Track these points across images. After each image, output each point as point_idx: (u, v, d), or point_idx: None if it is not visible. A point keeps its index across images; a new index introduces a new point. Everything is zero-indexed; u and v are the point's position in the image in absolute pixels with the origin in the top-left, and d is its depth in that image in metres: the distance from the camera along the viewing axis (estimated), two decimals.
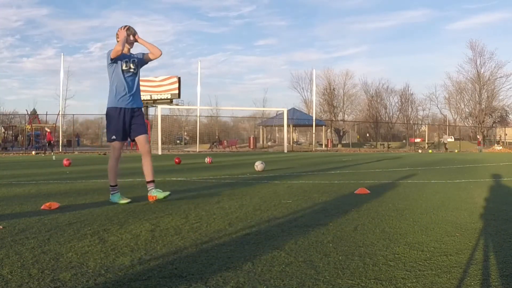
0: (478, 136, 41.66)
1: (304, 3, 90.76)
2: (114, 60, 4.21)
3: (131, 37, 4.28)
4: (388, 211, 3.73)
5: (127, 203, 4.13)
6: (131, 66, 4.28)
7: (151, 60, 4.42)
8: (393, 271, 2.04)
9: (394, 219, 3.36)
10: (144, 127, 4.42)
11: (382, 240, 2.65)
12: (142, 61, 4.42)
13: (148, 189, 4.29)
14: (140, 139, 4.33)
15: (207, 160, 12.71)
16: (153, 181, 4.31)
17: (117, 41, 4.26)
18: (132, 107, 4.30)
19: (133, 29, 4.32)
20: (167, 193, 4.25)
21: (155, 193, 4.24)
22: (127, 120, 4.27)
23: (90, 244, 2.55)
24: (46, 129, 27.43)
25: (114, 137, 4.26)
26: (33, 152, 25.05)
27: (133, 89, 4.31)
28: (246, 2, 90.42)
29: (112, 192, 4.27)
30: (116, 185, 4.28)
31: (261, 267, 2.10)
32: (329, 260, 2.23)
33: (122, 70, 4.24)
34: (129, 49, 4.36)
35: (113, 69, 4.25)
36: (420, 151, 34.58)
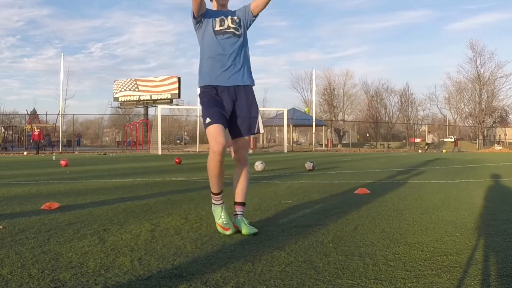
0: (454, 136, 40.76)
1: (305, 4, 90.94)
2: (199, 18, 2.88)
3: None
4: (388, 211, 3.73)
5: (230, 234, 2.81)
6: (230, 24, 2.90)
7: (261, 8, 2.97)
8: (393, 271, 2.04)
9: (394, 219, 3.36)
10: (252, 123, 2.97)
11: (382, 240, 2.65)
12: (247, 17, 3.00)
13: (235, 213, 2.98)
14: (239, 143, 2.99)
15: (309, 165, 9.03)
16: (244, 204, 3.01)
17: None
18: (235, 85, 2.90)
19: None
20: (255, 230, 2.82)
21: (242, 224, 2.86)
22: (229, 102, 2.89)
23: (90, 244, 2.55)
24: (35, 128, 27.11)
25: (209, 119, 2.81)
26: (25, 153, 24.79)
27: (234, 58, 2.89)
28: (247, 2, 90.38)
29: (213, 202, 2.96)
30: (219, 193, 2.93)
31: (261, 267, 2.10)
32: (329, 260, 2.22)
33: (215, 32, 2.88)
34: (223, 5, 3.01)
35: (202, 32, 2.92)
36: (420, 151, 34.55)
